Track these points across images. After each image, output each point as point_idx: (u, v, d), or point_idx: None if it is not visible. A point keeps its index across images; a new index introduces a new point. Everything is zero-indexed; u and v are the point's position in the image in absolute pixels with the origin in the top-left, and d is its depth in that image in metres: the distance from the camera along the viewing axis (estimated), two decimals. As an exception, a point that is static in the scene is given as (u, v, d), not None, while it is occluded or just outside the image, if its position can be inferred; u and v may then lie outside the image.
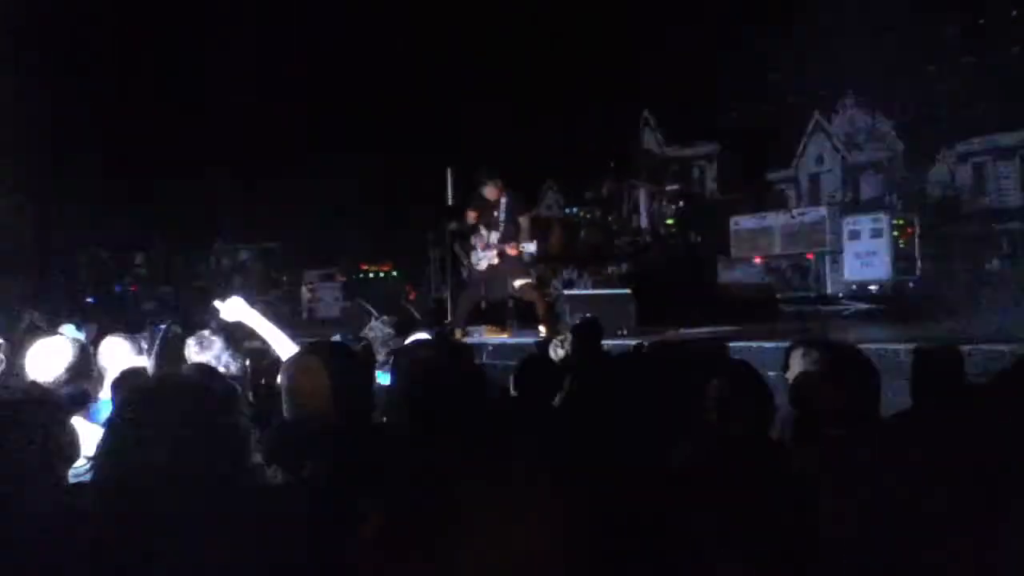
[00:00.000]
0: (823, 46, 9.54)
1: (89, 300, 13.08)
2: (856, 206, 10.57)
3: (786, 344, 3.57)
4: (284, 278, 14.84)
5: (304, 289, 14.02)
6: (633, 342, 6.29)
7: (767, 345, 5.58)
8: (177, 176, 13.53)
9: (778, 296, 9.55)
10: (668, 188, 10.87)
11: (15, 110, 11.16)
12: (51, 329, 5.20)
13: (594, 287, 9.15)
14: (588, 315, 6.78)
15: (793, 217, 9.84)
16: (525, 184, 10.27)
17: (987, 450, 2.21)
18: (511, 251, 7.89)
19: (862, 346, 4.31)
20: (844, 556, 2.29)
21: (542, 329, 7.68)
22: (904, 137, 11.16)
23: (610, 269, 9.61)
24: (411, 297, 11.86)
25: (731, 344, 5.59)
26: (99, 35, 13.34)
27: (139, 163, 13.68)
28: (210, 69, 13.43)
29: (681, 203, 10.44)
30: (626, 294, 8.18)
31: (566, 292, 9.16)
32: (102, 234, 13.50)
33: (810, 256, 9.66)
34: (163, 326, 4.38)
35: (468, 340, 7.81)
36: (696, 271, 9.81)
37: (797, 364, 3.25)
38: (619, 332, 7.45)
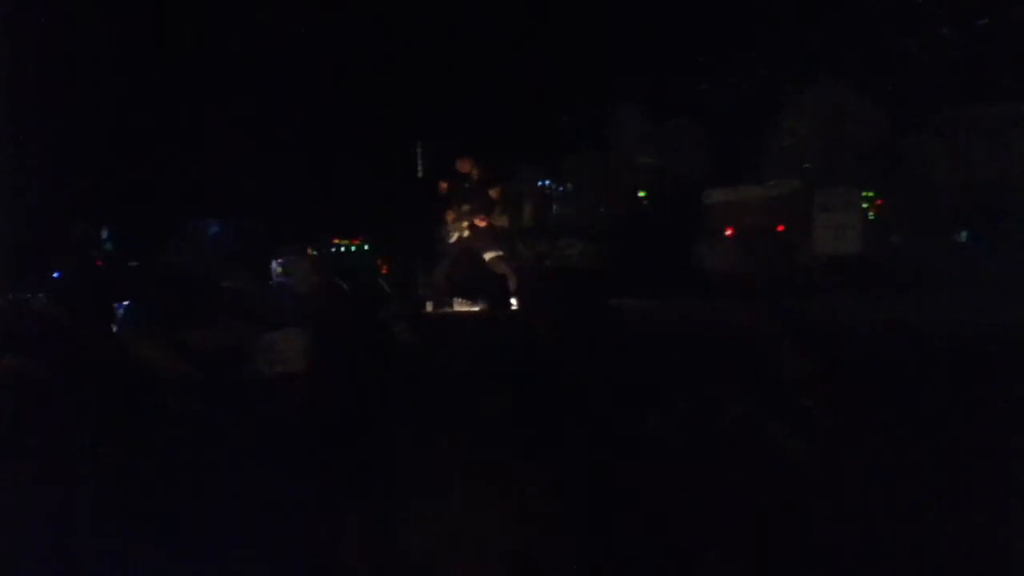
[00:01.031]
0: (797, 19, 9.52)
1: (55, 275, 12.85)
2: (828, 179, 10.58)
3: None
4: (255, 252, 14.66)
5: (275, 264, 13.86)
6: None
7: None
8: (145, 150, 13.31)
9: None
10: (641, 161, 10.85)
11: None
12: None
13: (566, 261, 9.13)
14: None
15: (765, 190, 9.85)
16: (498, 157, 10.19)
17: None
18: (480, 223, 7.86)
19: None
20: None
21: (514, 301, 7.65)
22: (877, 110, 11.17)
23: (583, 243, 9.58)
24: (384, 271, 11.77)
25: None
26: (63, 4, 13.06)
27: (105, 137, 13.44)
28: (180, 45, 13.20)
29: (655, 176, 10.43)
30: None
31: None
32: (68, 208, 13.27)
33: (781, 228, 9.67)
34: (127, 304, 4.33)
35: (441, 312, 7.78)
36: (669, 244, 9.81)
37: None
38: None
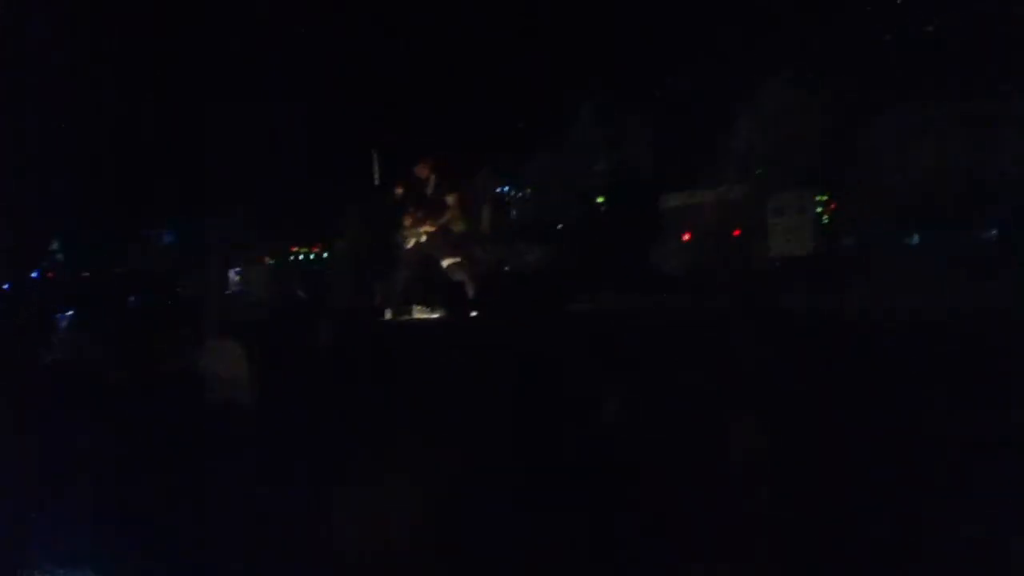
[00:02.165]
0: (749, 19, 9.63)
1: (4, 287, 12.59)
2: (781, 182, 10.72)
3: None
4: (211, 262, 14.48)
5: (232, 272, 13.71)
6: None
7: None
8: (100, 159, 13.07)
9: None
10: (597, 166, 10.91)
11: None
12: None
13: (524, 266, 9.15)
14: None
15: (720, 194, 9.95)
16: (455, 162, 10.18)
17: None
18: (437, 229, 7.84)
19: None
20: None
21: (471, 309, 7.63)
22: (827, 111, 11.33)
23: (541, 248, 9.61)
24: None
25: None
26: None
27: (56, 146, 13.17)
28: (134, 51, 13.01)
29: (611, 181, 10.50)
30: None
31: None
32: (15, 219, 12.99)
33: (737, 233, 9.79)
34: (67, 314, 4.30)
35: (399, 318, 7.74)
36: (626, 248, 9.87)
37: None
38: None
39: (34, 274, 13.39)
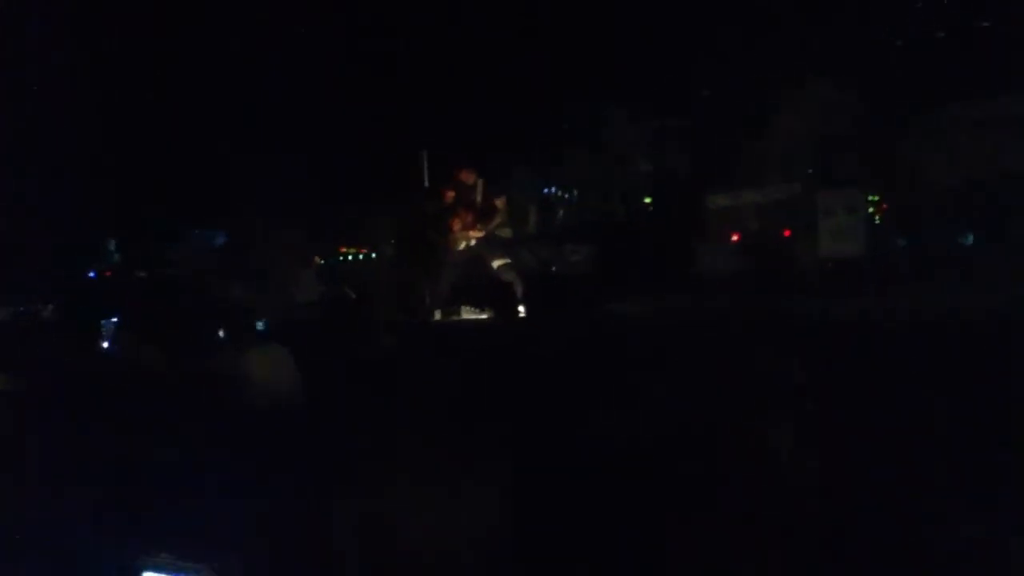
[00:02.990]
0: (793, 18, 9.55)
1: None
2: (830, 182, 10.62)
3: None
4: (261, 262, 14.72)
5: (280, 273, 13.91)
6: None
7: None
8: (151, 159, 13.36)
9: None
10: (643, 167, 10.90)
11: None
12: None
13: (571, 267, 9.19)
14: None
15: (768, 194, 9.89)
16: (501, 165, 10.25)
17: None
18: (480, 232, 7.93)
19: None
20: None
21: (521, 309, 7.70)
22: (876, 110, 11.19)
23: (587, 249, 9.63)
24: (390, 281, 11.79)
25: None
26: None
27: (113, 145, 13.50)
28: (183, 54, 13.27)
29: (657, 181, 10.48)
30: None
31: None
32: (74, 219, 13.34)
33: (787, 233, 9.72)
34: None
35: (447, 321, 7.83)
36: (672, 250, 9.85)
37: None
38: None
39: (91, 274, 13.73)
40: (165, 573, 1.94)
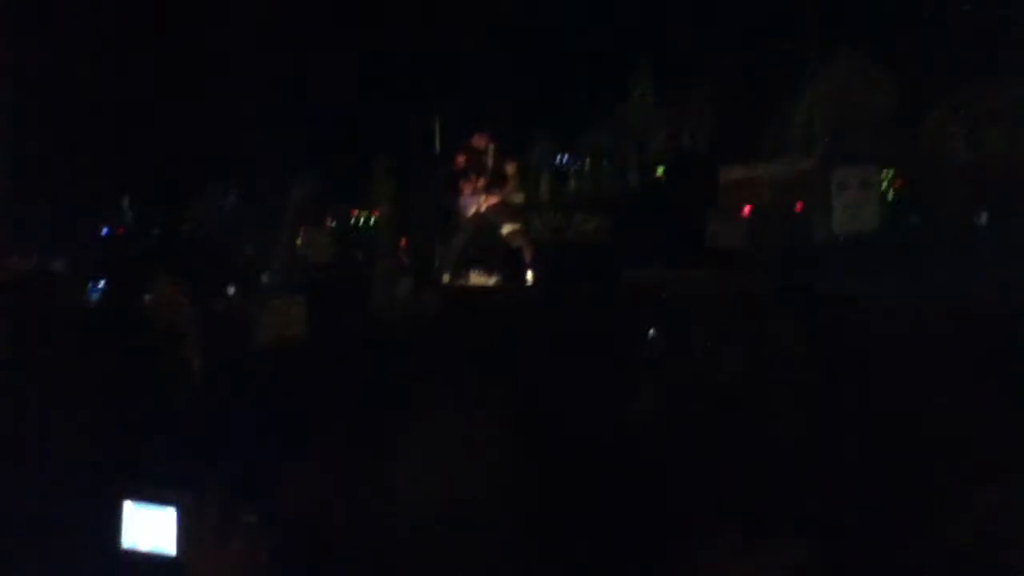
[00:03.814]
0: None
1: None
2: (846, 157, 10.53)
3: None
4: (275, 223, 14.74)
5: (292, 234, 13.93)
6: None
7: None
8: (166, 120, 13.38)
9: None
10: (657, 137, 10.84)
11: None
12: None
13: (582, 235, 9.16)
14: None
15: (782, 167, 9.82)
16: (514, 132, 10.21)
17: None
18: (499, 200, 7.92)
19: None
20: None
21: (529, 274, 7.71)
22: (895, 87, 11.08)
23: (599, 218, 9.60)
24: (402, 244, 11.81)
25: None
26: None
27: (127, 107, 13.52)
28: (206, 14, 13.24)
29: (671, 152, 10.43)
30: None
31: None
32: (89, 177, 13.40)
33: (799, 207, 9.65)
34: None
35: (456, 285, 7.85)
36: (685, 220, 9.80)
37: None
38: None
39: (104, 231, 13.81)
40: (145, 502, 1.97)
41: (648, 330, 4.37)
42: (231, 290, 7.42)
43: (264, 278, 7.96)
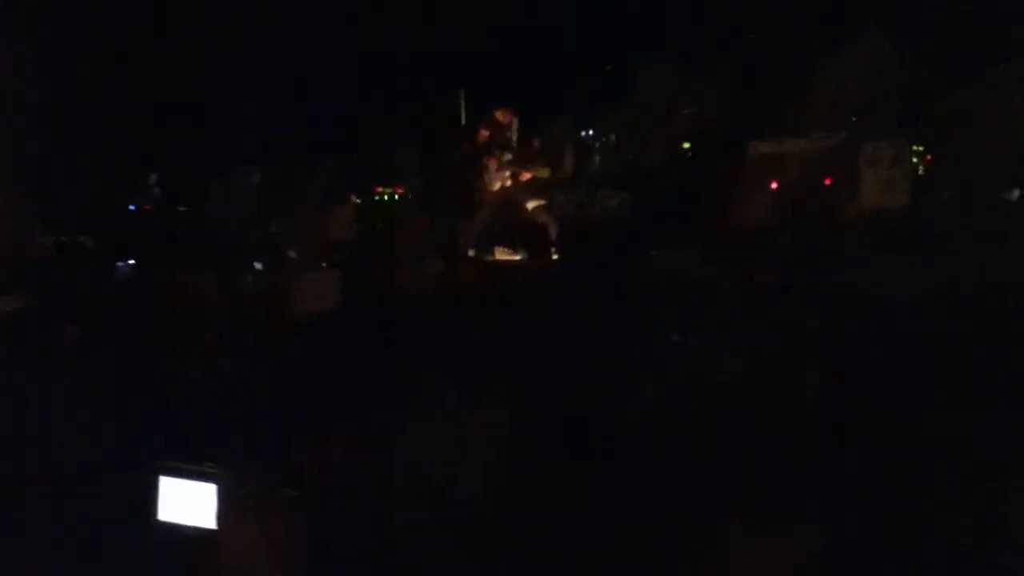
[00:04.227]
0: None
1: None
2: (874, 132, 10.37)
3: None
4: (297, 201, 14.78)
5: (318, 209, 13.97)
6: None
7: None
8: (191, 97, 13.39)
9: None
10: (684, 112, 10.73)
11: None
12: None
13: (607, 212, 9.11)
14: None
15: (811, 143, 9.70)
16: (539, 106, 10.14)
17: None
18: (523, 176, 7.90)
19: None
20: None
21: (553, 251, 7.70)
22: (925, 62, 10.87)
23: (623, 193, 9.54)
24: (424, 221, 11.80)
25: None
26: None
27: (151, 80, 13.54)
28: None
29: (697, 127, 10.32)
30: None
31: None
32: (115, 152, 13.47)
33: (828, 182, 9.54)
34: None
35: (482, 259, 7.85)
36: (711, 195, 9.73)
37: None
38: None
39: (131, 207, 13.89)
40: (181, 478, 2.01)
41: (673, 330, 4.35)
42: (258, 266, 7.47)
43: (291, 254, 8.01)
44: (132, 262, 7.49)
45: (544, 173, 8.11)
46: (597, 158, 10.71)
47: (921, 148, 9.15)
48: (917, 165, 8.99)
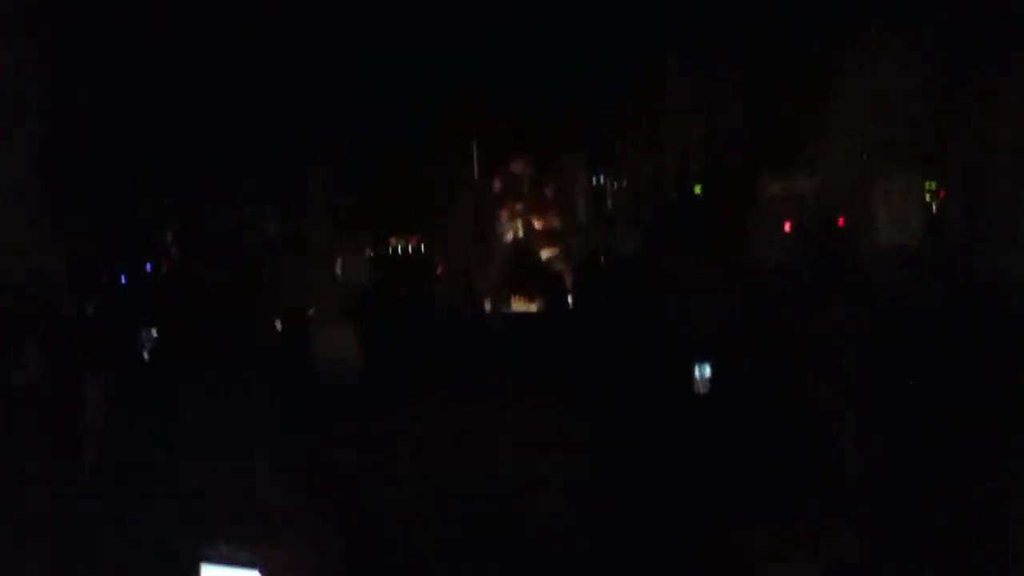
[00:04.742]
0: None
1: (122, 280, 13.19)
2: (888, 163, 10.33)
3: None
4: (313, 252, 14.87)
5: (336, 262, 14.06)
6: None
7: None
8: (202, 155, 13.54)
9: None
10: (695, 155, 10.78)
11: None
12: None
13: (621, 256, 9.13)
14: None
15: (823, 180, 9.71)
16: (551, 152, 10.22)
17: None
18: (536, 222, 7.94)
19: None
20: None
21: (570, 299, 7.69)
22: (937, 93, 10.84)
23: (637, 238, 9.56)
24: (439, 271, 11.86)
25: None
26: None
27: (164, 143, 13.70)
28: (234, 42, 13.41)
29: (708, 168, 10.36)
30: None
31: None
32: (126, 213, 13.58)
33: (842, 222, 9.54)
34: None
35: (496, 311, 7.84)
36: (724, 238, 9.72)
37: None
38: None
39: (148, 267, 13.97)
40: (223, 565, 1.98)
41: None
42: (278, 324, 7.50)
43: (310, 309, 8.04)
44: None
45: (558, 222, 8.15)
46: (610, 203, 10.77)
47: (934, 183, 9.14)
48: (931, 201, 8.97)
